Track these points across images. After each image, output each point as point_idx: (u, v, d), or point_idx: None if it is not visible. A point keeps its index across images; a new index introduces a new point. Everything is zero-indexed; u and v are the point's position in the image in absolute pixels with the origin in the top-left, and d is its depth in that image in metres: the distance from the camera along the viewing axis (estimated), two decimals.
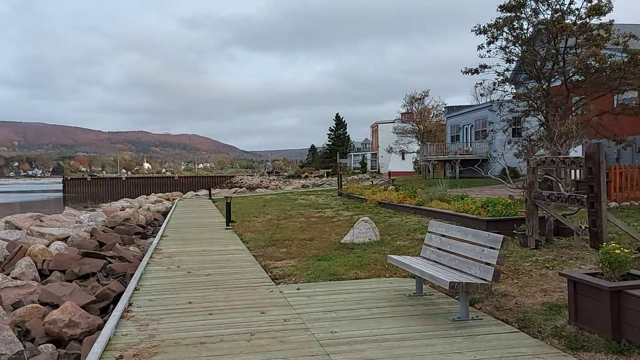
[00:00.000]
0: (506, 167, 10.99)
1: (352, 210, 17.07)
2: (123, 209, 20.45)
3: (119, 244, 12.42)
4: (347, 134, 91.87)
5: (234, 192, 40.78)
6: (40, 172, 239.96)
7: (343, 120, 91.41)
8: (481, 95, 24.15)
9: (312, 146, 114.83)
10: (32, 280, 8.49)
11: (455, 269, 5.65)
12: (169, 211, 22.56)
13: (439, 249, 6.22)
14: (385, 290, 6.64)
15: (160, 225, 16.75)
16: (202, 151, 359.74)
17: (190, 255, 9.94)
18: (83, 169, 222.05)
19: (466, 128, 37.67)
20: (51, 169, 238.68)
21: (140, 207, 23.90)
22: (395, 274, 7.48)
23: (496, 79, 19.05)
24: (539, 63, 17.69)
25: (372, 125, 77.40)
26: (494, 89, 19.64)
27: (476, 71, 18.44)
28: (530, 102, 18.14)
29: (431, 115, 50.27)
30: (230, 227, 14.76)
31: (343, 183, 27.46)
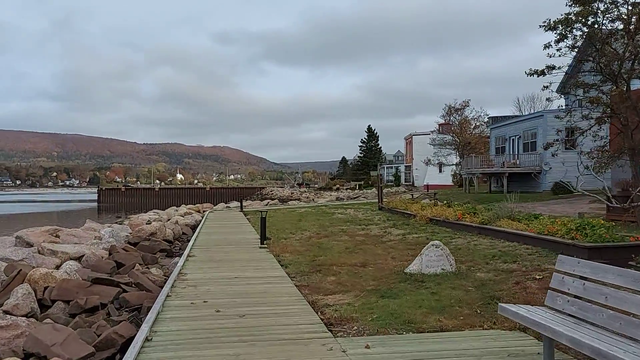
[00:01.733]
0: (604, 183, 8.90)
1: (401, 228, 15.10)
2: (149, 222, 19.01)
3: (140, 264, 10.82)
4: (379, 146, 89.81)
5: (266, 204, 39.23)
6: (77, 182, 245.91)
7: (375, 132, 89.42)
8: (547, 100, 21.76)
9: (343, 158, 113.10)
10: (27, 314, 6.88)
11: (624, 336, 3.67)
12: (198, 224, 21.09)
13: (580, 298, 4.25)
14: (492, 353, 4.67)
15: (189, 241, 15.18)
16: (233, 162, 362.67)
17: (220, 283, 8.20)
18: (118, 179, 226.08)
19: (513, 139, 35.26)
20: (87, 179, 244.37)
21: (169, 219, 22.48)
22: (495, 323, 5.51)
23: (563, 82, 16.84)
24: (617, 63, 15.41)
25: (405, 137, 75.03)
26: (563, 93, 17.34)
27: (542, 72, 16.23)
28: (605, 108, 15.83)
29: (472, 127, 47.93)
30: (265, 245, 13.05)
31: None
